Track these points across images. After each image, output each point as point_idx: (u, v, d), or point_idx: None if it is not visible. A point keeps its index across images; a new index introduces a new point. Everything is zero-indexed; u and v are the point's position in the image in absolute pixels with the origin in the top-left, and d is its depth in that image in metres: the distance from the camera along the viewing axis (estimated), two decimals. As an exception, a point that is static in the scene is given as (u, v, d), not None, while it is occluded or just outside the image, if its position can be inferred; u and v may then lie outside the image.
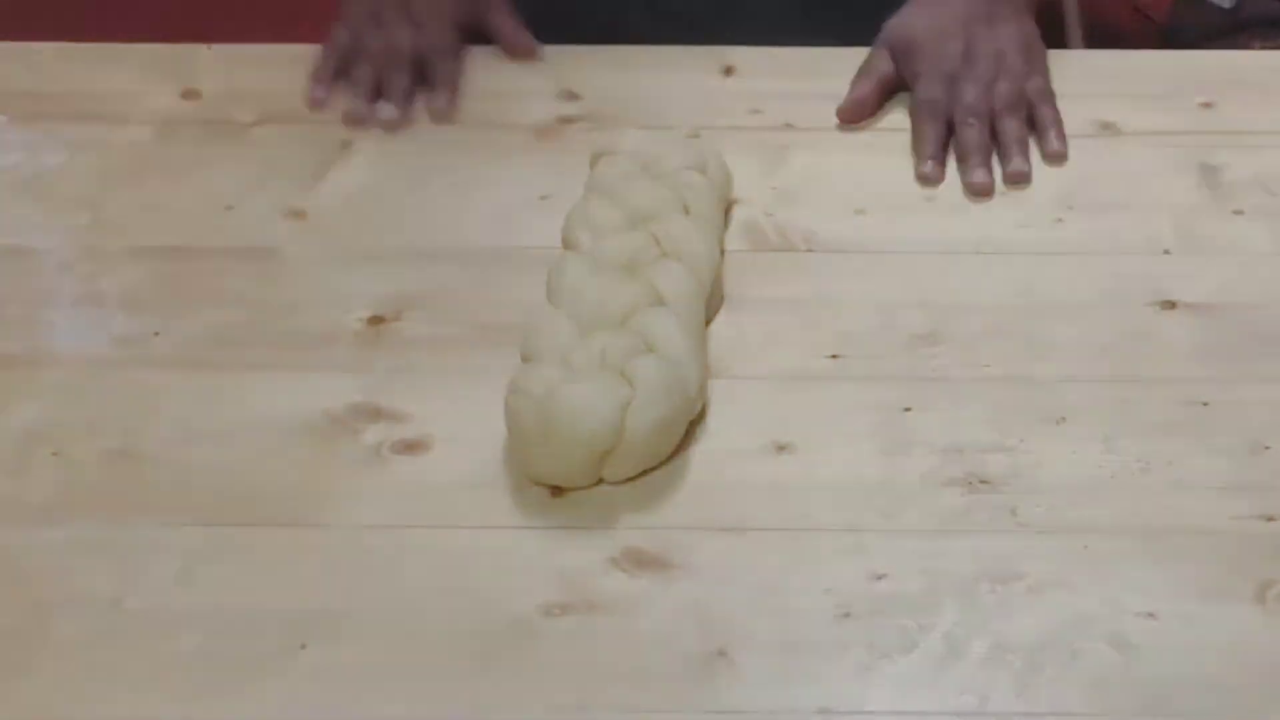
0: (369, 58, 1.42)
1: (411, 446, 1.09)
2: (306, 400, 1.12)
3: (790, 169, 1.32)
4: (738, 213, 1.27)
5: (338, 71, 1.42)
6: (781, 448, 1.08)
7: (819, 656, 0.95)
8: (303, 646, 0.96)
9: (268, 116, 1.40)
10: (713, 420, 1.10)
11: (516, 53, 1.44)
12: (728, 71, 1.44)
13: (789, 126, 1.37)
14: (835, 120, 1.35)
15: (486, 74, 1.45)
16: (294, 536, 1.03)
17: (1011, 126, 1.31)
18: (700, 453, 1.08)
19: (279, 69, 1.45)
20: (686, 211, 1.19)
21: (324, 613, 0.98)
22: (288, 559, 1.02)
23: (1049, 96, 1.34)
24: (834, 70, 1.42)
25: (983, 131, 1.31)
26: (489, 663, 0.95)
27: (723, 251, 1.21)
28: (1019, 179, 1.29)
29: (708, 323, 1.16)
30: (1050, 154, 1.31)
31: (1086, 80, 1.41)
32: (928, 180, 1.30)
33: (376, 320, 1.18)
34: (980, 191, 1.29)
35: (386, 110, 1.38)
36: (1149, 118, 1.36)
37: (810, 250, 1.24)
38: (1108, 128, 1.35)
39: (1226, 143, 1.32)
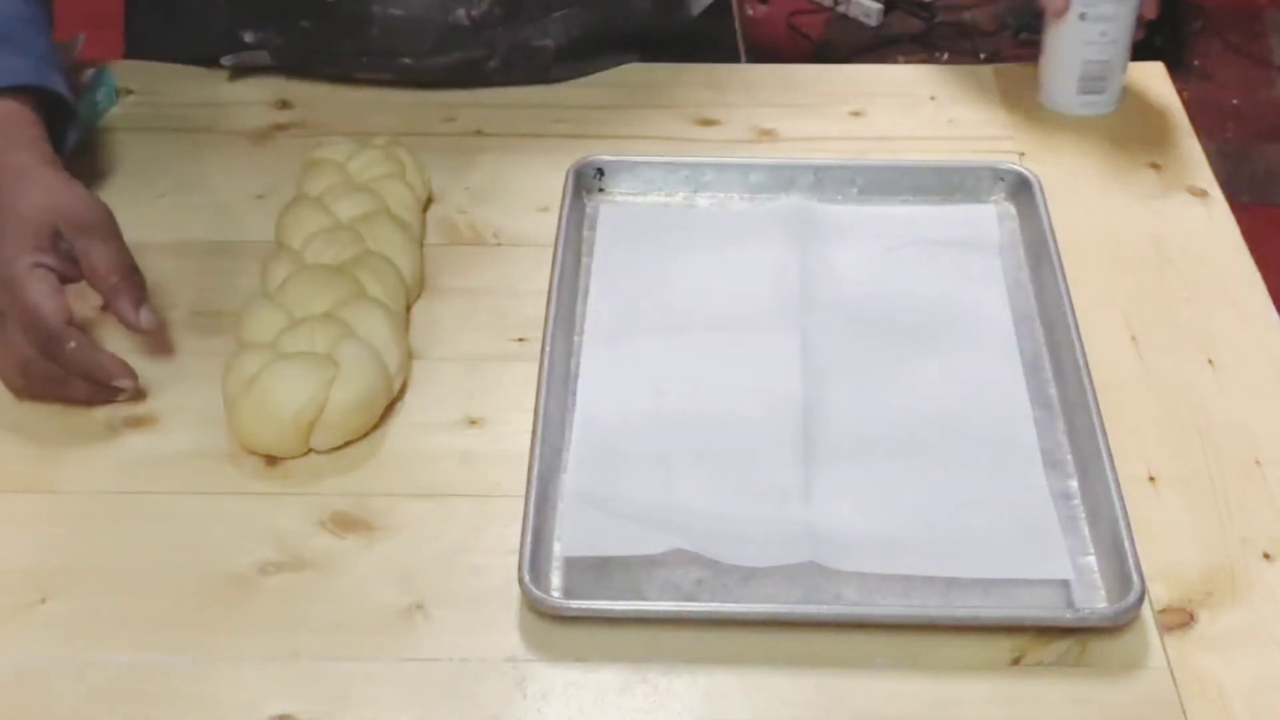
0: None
1: (140, 421, 1.13)
2: (44, 380, 1.15)
3: (480, 171, 1.38)
4: (434, 211, 1.33)
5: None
6: (473, 422, 1.13)
7: (506, 610, 1.00)
8: (42, 600, 1.01)
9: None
10: (411, 397, 1.15)
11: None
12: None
13: (479, 133, 1.43)
14: (518, 126, 1.39)
15: (209, 85, 1.48)
16: (34, 502, 1.08)
17: None
18: (400, 426, 1.13)
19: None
20: (388, 212, 1.25)
21: (62, 570, 1.03)
22: (29, 522, 1.07)
23: None
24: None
25: None
26: (211, 615, 1.00)
27: (421, 246, 1.27)
28: None
29: (408, 309, 1.22)
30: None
31: (748, 92, 1.48)
32: None
33: (107, 307, 1.20)
34: None
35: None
36: (805, 125, 1.43)
37: (499, 244, 1.30)
38: (768, 134, 1.42)
39: (874, 148, 1.40)
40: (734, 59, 1.62)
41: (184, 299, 1.24)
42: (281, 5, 1.42)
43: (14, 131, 1.20)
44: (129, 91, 1.47)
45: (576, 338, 1.20)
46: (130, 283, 1.16)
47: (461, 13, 1.43)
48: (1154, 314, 1.23)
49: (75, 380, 1.13)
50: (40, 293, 1.12)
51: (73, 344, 1.12)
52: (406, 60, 1.41)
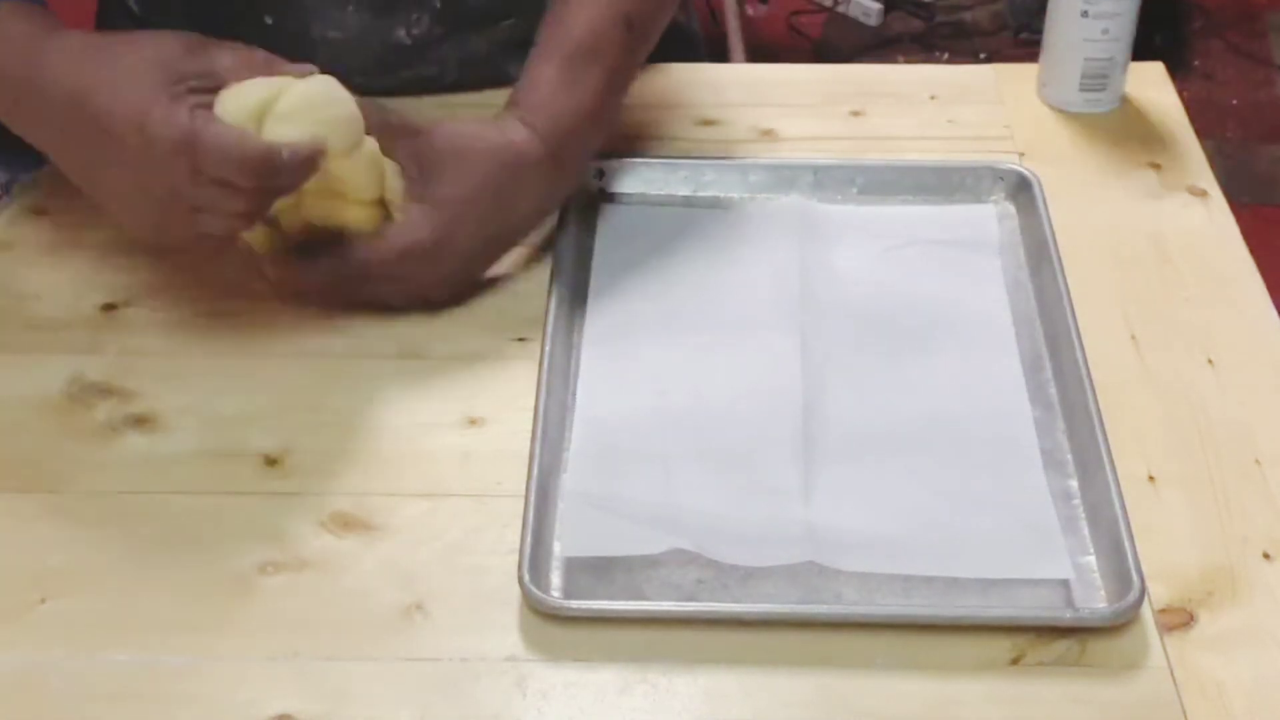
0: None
1: (140, 421, 1.13)
2: (46, 380, 1.16)
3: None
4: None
5: None
6: (472, 421, 1.13)
7: (506, 610, 1.00)
8: (42, 600, 1.01)
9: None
10: (411, 396, 1.15)
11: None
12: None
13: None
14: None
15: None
16: (34, 501, 1.08)
17: None
18: (400, 425, 1.13)
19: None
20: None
21: (62, 570, 1.03)
22: (29, 522, 1.06)
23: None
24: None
25: None
26: (212, 615, 1.00)
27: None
28: None
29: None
30: None
31: (748, 91, 1.48)
32: None
33: (109, 307, 1.22)
34: None
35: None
36: (805, 125, 1.43)
37: (500, 244, 1.29)
38: (768, 134, 1.42)
39: (874, 148, 1.40)
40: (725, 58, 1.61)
41: (186, 299, 1.24)
42: (228, 28, 1.40)
43: (46, 18, 1.13)
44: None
45: (576, 338, 1.20)
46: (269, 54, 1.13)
47: (401, 32, 1.41)
48: (1154, 314, 1.23)
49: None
50: (217, 125, 1.07)
51: (287, 153, 1.09)
52: (358, 79, 1.38)
